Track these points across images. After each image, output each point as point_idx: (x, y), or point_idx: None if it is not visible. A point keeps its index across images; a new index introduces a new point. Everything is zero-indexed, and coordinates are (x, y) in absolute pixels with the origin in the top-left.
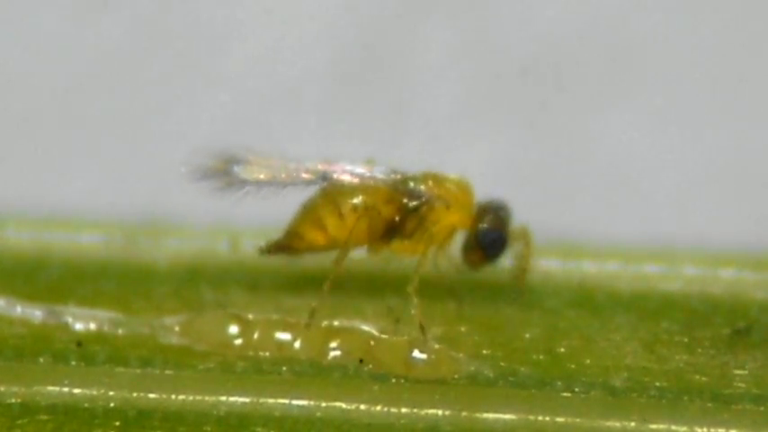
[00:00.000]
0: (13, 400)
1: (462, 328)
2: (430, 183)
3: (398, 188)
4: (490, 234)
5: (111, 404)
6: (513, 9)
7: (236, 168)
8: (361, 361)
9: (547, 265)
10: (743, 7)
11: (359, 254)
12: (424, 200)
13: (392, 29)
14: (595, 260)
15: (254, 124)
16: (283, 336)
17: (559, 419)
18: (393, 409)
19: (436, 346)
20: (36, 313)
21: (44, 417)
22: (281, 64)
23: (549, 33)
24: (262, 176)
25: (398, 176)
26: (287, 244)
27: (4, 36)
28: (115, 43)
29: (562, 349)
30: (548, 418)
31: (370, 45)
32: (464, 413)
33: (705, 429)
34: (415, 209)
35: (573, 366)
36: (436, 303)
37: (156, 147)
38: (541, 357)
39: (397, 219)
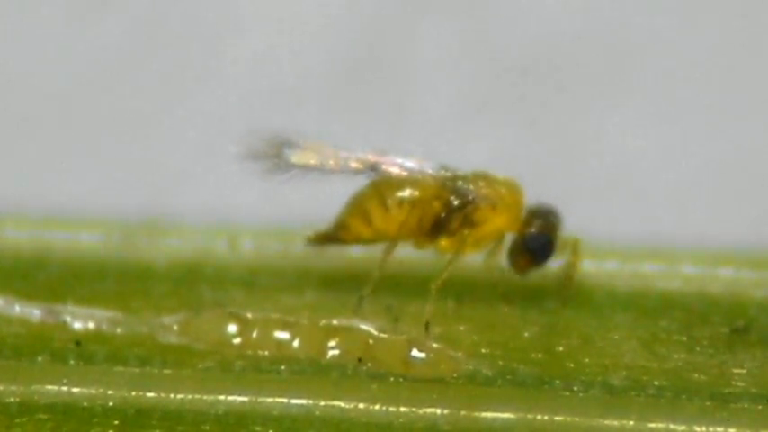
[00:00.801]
0: (12, 400)
1: (461, 327)
2: (479, 183)
3: (446, 185)
4: (538, 238)
5: (110, 403)
6: (512, 9)
7: (287, 152)
8: (359, 360)
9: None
10: (743, 7)
11: (359, 252)
12: (470, 199)
13: (392, 29)
14: (594, 259)
15: (254, 124)
16: (282, 335)
17: (558, 418)
18: (392, 408)
19: (435, 345)
20: (35, 312)
21: (43, 416)
22: (281, 64)
23: (549, 33)
24: (311, 162)
25: (448, 174)
26: (334, 235)
27: (4, 36)
28: (115, 43)
29: (561, 348)
30: (546, 417)
31: (370, 45)
32: (463, 412)
33: (704, 428)
34: (461, 208)
35: (571, 365)
36: (435, 302)
37: (156, 146)
38: (540, 356)
39: (442, 216)
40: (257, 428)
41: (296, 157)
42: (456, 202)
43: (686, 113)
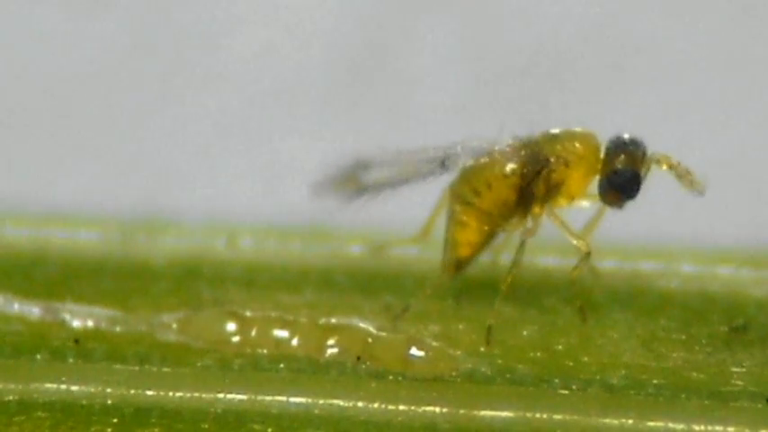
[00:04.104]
0: (11, 398)
1: (460, 326)
2: (548, 145)
3: (515, 158)
4: (621, 175)
5: (109, 401)
6: (512, 9)
7: (363, 173)
8: (358, 358)
9: (544, 263)
10: (743, 7)
11: (357, 251)
12: (541, 163)
13: (392, 28)
14: (593, 258)
15: (254, 124)
16: (281, 333)
17: (557, 417)
18: (390, 407)
19: (434, 344)
20: (34, 310)
21: (41, 414)
22: (281, 63)
23: (549, 33)
24: (385, 178)
25: (516, 144)
26: (458, 257)
27: (3, 35)
28: (114, 42)
29: (560, 347)
30: (545, 416)
31: (369, 44)
32: (462, 411)
33: (702, 427)
34: (537, 174)
35: (570, 364)
36: (433, 301)
37: (155, 145)
38: (539, 355)
39: (523, 187)
40: (256, 427)
41: (372, 176)
42: (528, 171)
43: (685, 113)
